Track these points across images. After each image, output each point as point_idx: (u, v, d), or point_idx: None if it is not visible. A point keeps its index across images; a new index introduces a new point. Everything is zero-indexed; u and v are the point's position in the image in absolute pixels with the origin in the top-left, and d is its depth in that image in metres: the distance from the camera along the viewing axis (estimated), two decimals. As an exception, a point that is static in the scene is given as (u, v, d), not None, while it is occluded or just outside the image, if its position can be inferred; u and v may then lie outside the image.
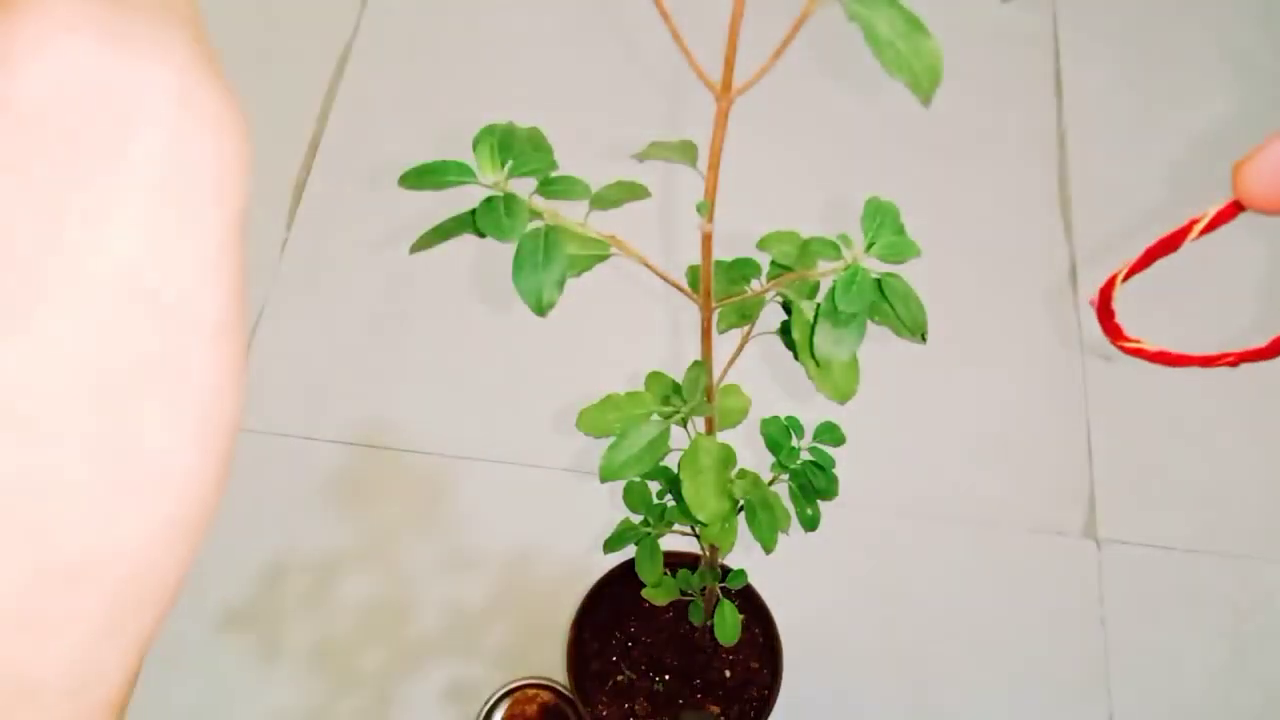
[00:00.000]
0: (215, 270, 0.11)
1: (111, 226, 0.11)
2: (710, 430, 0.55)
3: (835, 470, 0.58)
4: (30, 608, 0.11)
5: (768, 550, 0.58)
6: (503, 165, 0.40)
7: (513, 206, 0.39)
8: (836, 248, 0.43)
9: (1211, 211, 0.38)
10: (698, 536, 0.65)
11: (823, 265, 0.44)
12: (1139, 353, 0.43)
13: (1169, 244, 0.40)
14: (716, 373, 0.53)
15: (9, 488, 0.11)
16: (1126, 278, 0.41)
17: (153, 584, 0.12)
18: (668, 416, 0.52)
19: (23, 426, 0.11)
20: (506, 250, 0.40)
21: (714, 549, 0.67)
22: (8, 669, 0.11)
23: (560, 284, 0.40)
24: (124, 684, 0.12)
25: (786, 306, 0.49)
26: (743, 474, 0.58)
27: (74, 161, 0.10)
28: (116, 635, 0.12)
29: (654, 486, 0.64)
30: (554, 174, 0.41)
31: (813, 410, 0.59)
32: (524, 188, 0.41)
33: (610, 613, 0.86)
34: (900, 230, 0.44)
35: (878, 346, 0.49)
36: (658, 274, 0.45)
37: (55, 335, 0.11)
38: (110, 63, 0.10)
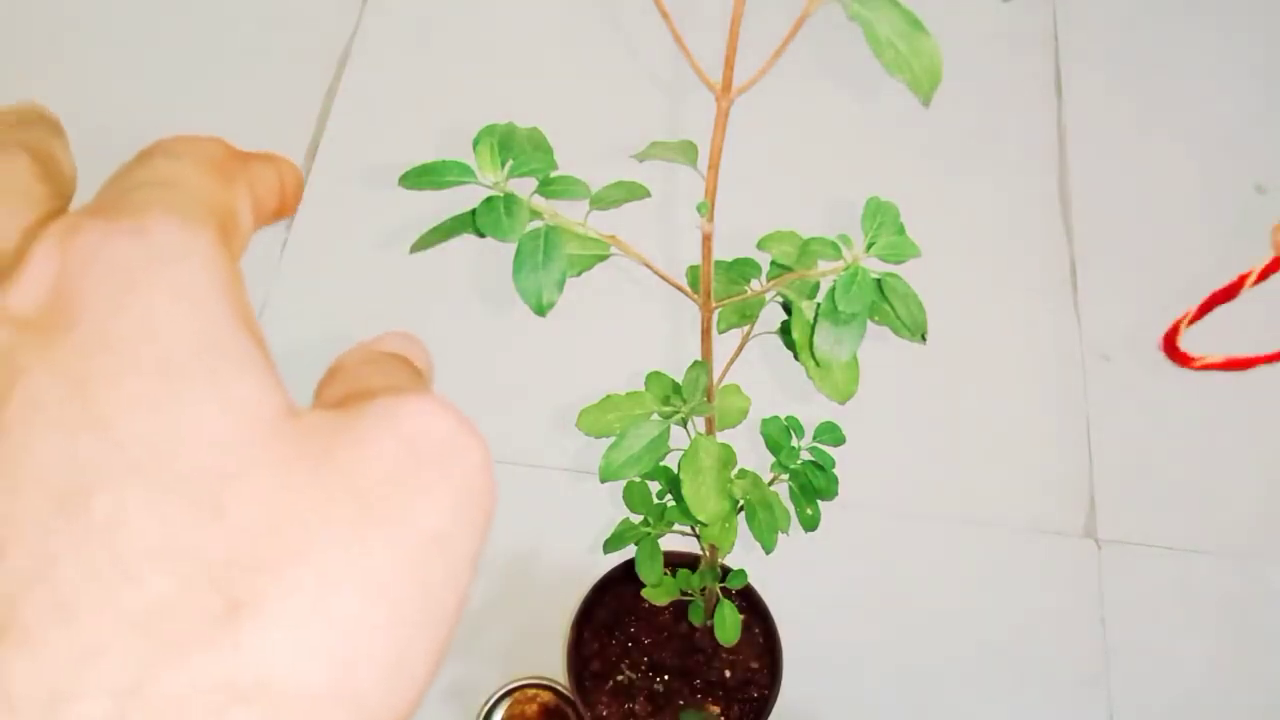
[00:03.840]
0: (475, 554, 0.19)
1: (435, 504, 0.18)
2: (710, 430, 0.55)
3: (835, 470, 0.58)
4: (322, 709, 0.16)
5: (768, 550, 0.58)
6: (503, 165, 0.40)
7: (513, 206, 0.39)
8: (836, 248, 0.43)
9: (1259, 266, 0.40)
10: (698, 536, 0.65)
11: (823, 265, 0.44)
12: (1209, 366, 0.46)
13: (1227, 294, 0.43)
14: (716, 373, 0.53)
15: (342, 626, 0.16)
16: (1190, 323, 0.44)
17: None
18: (668, 416, 0.52)
19: (361, 600, 0.16)
20: (506, 250, 0.40)
21: (714, 549, 0.67)
22: None
23: (560, 284, 0.40)
24: None
25: (786, 306, 0.49)
26: (743, 474, 0.58)
27: (421, 466, 0.18)
28: None
29: (654, 486, 0.64)
30: (554, 174, 0.41)
31: (813, 410, 0.59)
32: (524, 188, 0.41)
33: (610, 613, 0.86)
34: (900, 230, 0.44)
35: (878, 346, 0.49)
36: (658, 274, 0.45)
37: (391, 549, 0.17)
38: (454, 435, 0.19)
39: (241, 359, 0.17)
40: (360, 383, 0.21)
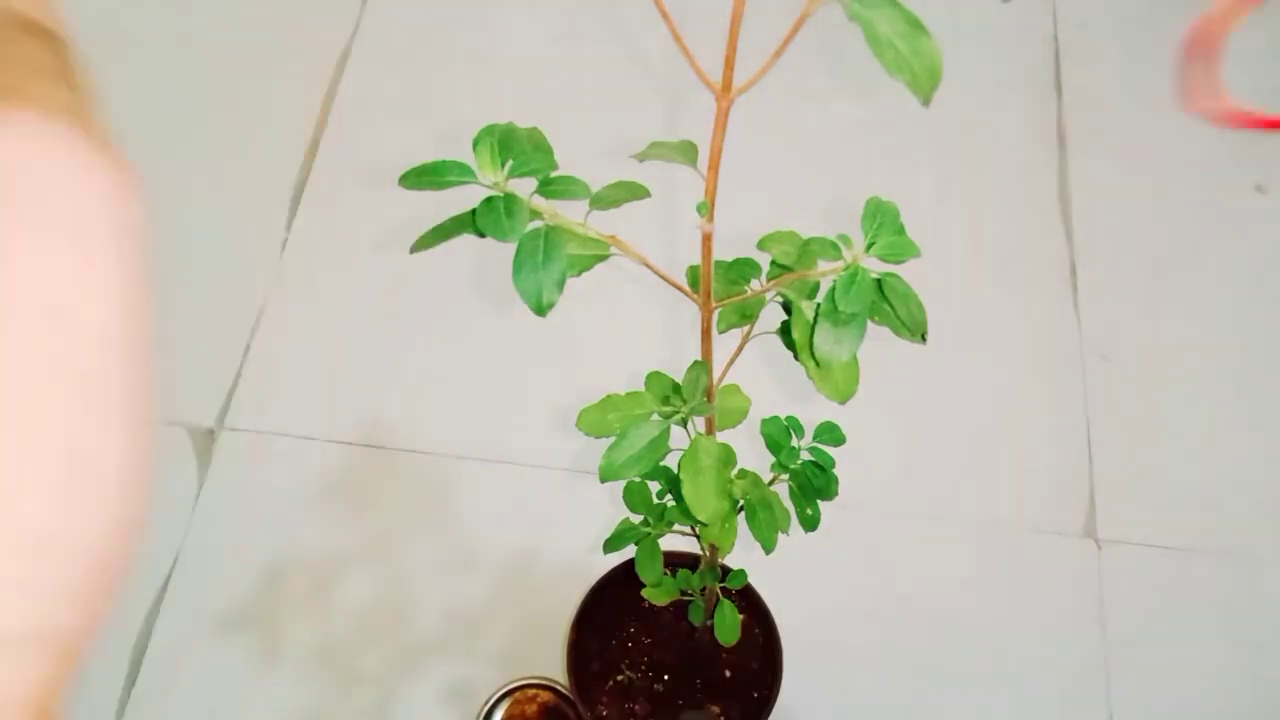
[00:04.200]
0: (111, 290, 0.14)
1: (21, 265, 0.13)
2: (710, 430, 0.55)
3: (835, 470, 0.58)
4: (7, 570, 0.13)
5: (768, 550, 0.58)
6: (503, 165, 0.40)
7: (513, 206, 0.39)
8: (836, 248, 0.43)
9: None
10: (698, 536, 0.65)
11: (823, 265, 0.44)
12: (1239, 118, 0.42)
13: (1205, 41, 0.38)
14: (716, 373, 0.53)
15: None
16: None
17: (100, 568, 0.14)
18: (668, 416, 0.52)
19: None
20: (506, 250, 0.40)
21: (714, 549, 0.67)
22: None
23: (560, 284, 0.40)
24: (74, 651, 0.14)
25: (786, 306, 0.49)
26: (743, 474, 0.58)
27: None
28: (71, 604, 0.13)
29: (654, 486, 0.64)
30: (554, 174, 0.41)
31: (813, 410, 0.59)
32: (524, 188, 0.41)
33: (610, 613, 0.86)
34: (900, 230, 0.44)
35: (878, 346, 0.49)
36: (658, 274, 0.45)
37: None
38: (30, 149, 0.13)
39: None
40: None
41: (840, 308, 0.42)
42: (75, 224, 0.13)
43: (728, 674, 0.84)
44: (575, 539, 0.98)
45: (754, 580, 0.75)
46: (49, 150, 0.13)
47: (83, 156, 0.14)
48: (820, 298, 0.44)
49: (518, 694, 0.92)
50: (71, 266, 0.13)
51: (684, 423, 0.53)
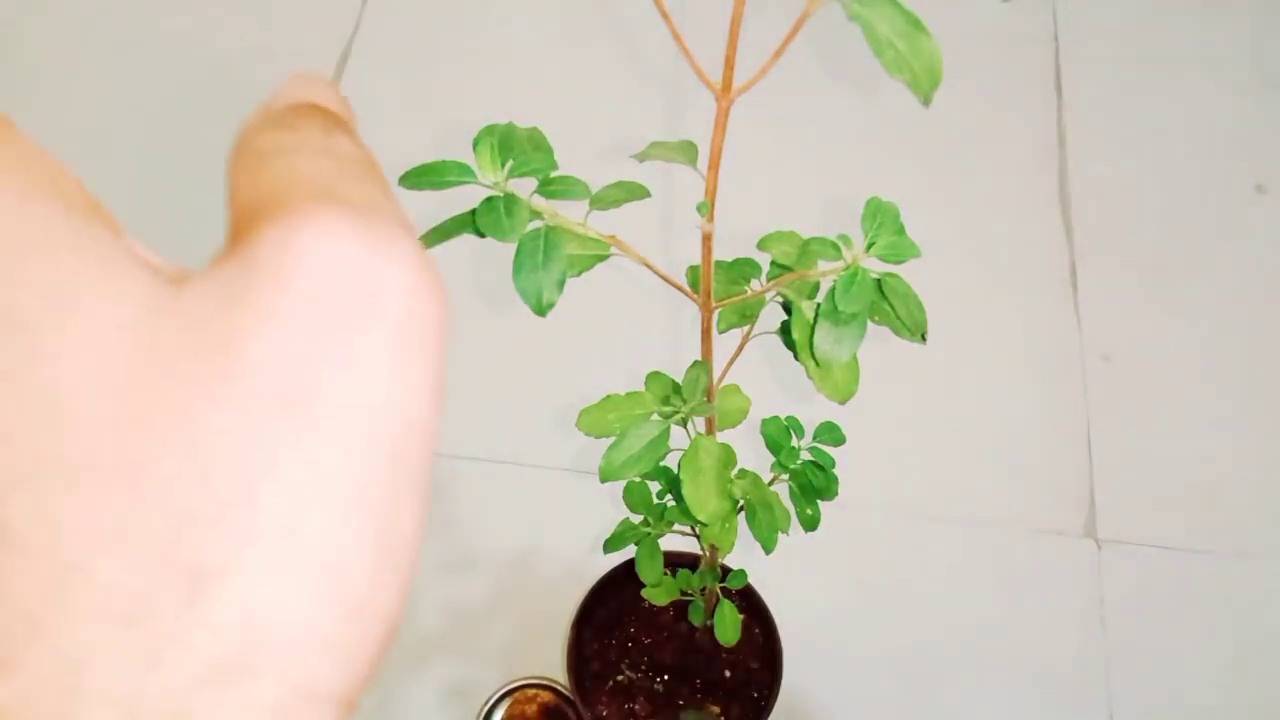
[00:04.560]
0: (434, 395, 0.16)
1: (369, 367, 0.15)
2: (710, 430, 0.55)
3: (835, 470, 0.58)
4: (336, 634, 0.15)
5: (768, 550, 0.58)
6: (503, 165, 0.40)
7: (513, 206, 0.39)
8: (836, 248, 0.43)
9: None
10: (698, 536, 0.65)
11: (823, 265, 0.44)
12: None
13: None
14: (716, 373, 0.53)
15: (321, 548, 0.14)
16: None
17: (389, 634, 0.16)
18: (668, 416, 0.52)
19: (329, 512, 0.15)
20: (506, 250, 0.40)
21: (714, 549, 0.67)
22: (314, 682, 0.14)
23: (560, 284, 0.40)
24: (356, 708, 0.16)
25: (786, 306, 0.49)
26: (743, 474, 0.58)
27: (338, 324, 0.15)
28: (366, 667, 0.16)
29: (654, 486, 0.64)
30: (554, 174, 0.41)
31: (813, 410, 0.59)
32: (524, 188, 0.41)
33: (610, 613, 0.86)
34: (900, 230, 0.44)
35: (878, 346, 0.49)
36: (658, 274, 0.45)
37: (337, 442, 0.15)
38: (365, 258, 0.15)
39: (76, 259, 0.14)
40: (250, 197, 0.17)
41: (840, 308, 0.42)
42: (398, 330, 0.16)
43: (728, 674, 0.84)
44: (575, 539, 0.98)
45: (754, 580, 0.75)
46: (330, 257, 0.15)
47: (407, 266, 0.16)
48: (820, 298, 0.44)
49: (518, 694, 0.92)
50: (394, 367, 0.15)
51: (684, 423, 0.53)
